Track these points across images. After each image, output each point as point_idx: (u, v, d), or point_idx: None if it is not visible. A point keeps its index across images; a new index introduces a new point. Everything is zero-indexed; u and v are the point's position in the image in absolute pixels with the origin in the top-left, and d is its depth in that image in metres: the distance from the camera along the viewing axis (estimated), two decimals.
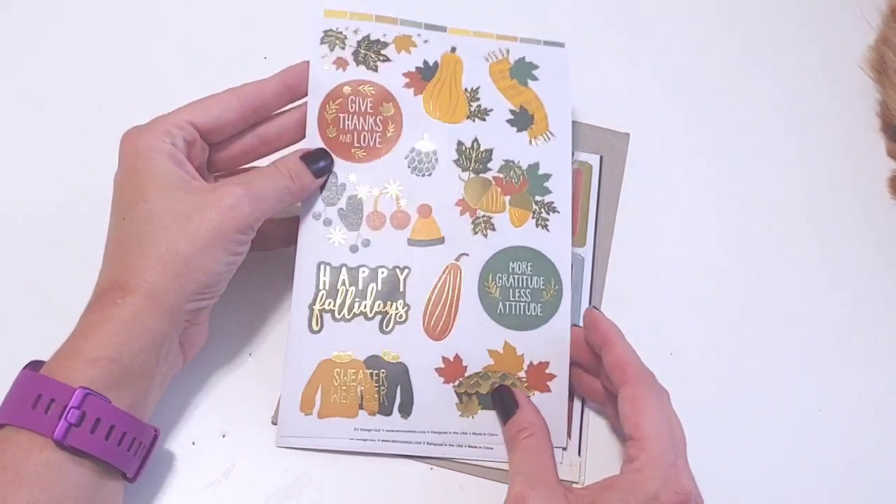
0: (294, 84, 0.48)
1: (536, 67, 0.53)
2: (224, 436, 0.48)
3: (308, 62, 0.49)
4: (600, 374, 0.47)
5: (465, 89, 0.51)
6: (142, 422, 0.41)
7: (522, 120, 0.51)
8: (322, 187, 0.49)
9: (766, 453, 0.50)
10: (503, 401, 0.47)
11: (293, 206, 0.48)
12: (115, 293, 0.41)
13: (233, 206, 0.43)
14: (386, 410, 0.47)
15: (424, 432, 0.47)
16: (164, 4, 0.60)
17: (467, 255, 0.49)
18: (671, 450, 0.41)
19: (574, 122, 0.51)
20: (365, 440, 0.47)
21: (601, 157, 0.57)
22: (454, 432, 0.47)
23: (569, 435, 0.49)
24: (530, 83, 0.52)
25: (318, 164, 0.48)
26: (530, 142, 0.51)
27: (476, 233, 0.49)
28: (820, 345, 0.53)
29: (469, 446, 0.47)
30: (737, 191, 0.57)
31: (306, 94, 0.49)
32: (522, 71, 0.52)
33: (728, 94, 0.60)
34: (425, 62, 0.51)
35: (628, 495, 0.40)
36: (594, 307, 0.47)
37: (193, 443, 0.47)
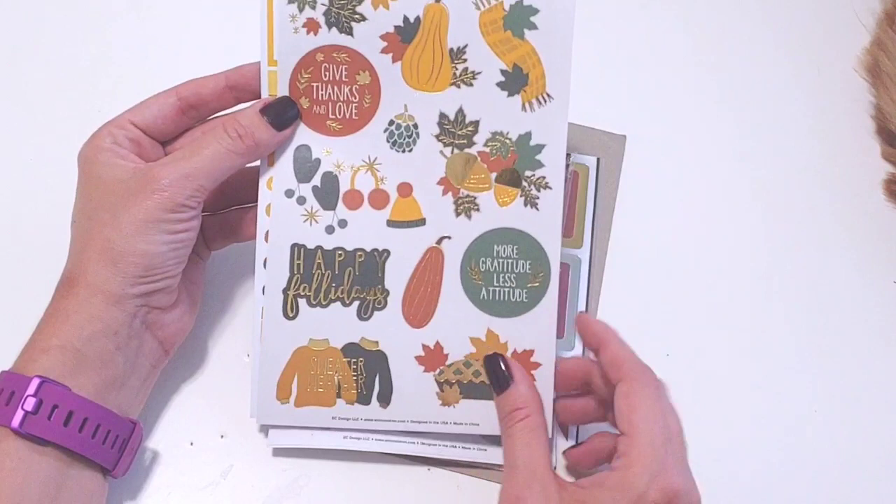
0: (240, 84, 0.45)
1: (536, 12, 0.46)
2: (222, 436, 0.48)
3: (258, 63, 0.45)
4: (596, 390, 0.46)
5: (451, 49, 0.46)
6: (109, 410, 0.42)
7: (515, 81, 0.46)
8: (294, 156, 0.46)
9: (762, 454, 0.50)
10: (495, 372, 0.45)
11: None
12: (64, 288, 0.43)
13: (157, 188, 0.42)
14: (364, 399, 0.46)
15: (404, 421, 0.46)
16: (164, 6, 0.59)
17: (449, 238, 0.46)
18: (662, 446, 0.40)
19: (571, 125, 0.47)
20: (343, 429, 0.46)
21: (598, 159, 0.55)
22: (434, 421, 0.46)
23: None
24: (527, 34, 0.46)
25: (280, 116, 0.45)
26: (523, 107, 0.46)
27: (459, 214, 0.46)
28: (816, 346, 0.52)
29: (450, 435, 0.46)
30: (733, 192, 0.56)
31: (258, 96, 0.45)
32: (519, 19, 0.46)
33: (724, 96, 0.59)
34: (405, 19, 0.46)
35: (617, 493, 0.39)
36: (581, 312, 0.45)
37: (192, 443, 0.48)
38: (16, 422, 0.39)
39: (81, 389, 0.41)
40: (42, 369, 0.40)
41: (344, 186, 0.46)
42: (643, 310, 0.53)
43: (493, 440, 0.47)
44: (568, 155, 0.51)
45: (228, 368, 0.50)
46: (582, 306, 0.52)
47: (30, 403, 0.39)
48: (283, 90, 0.45)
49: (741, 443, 0.50)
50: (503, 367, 0.44)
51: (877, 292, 0.54)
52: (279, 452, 0.48)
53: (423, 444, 0.47)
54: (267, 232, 0.46)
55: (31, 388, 0.39)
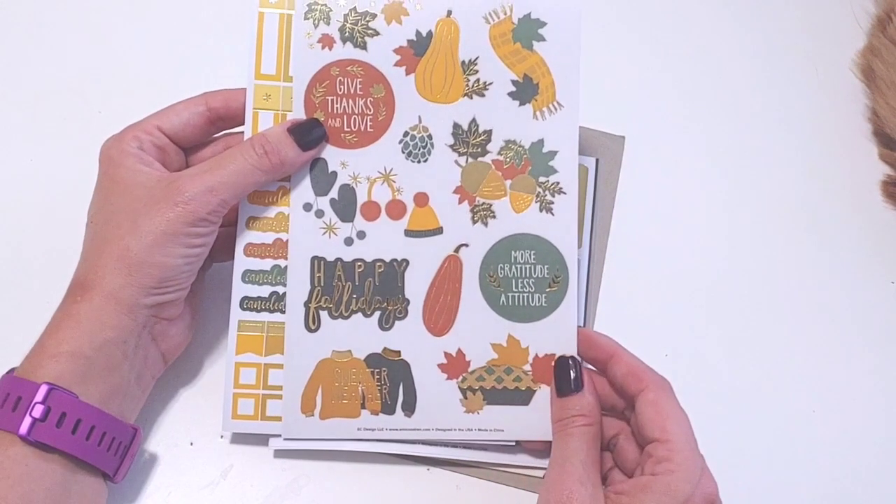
0: None
1: (544, 25, 0.47)
2: (222, 436, 0.48)
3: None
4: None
5: (462, 62, 0.47)
6: (115, 418, 0.41)
7: (526, 91, 0.47)
8: (311, 169, 0.46)
9: (760, 454, 0.50)
10: (564, 375, 0.45)
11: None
12: (76, 292, 0.42)
13: (180, 200, 0.42)
14: (389, 409, 0.46)
15: (429, 430, 0.46)
16: (164, 7, 0.59)
17: (467, 245, 0.47)
18: (698, 453, 0.41)
19: None
20: (368, 440, 0.46)
21: (597, 160, 0.55)
22: (459, 429, 0.46)
23: None
24: (536, 45, 0.48)
25: (307, 136, 0.45)
26: (534, 115, 0.47)
27: (476, 222, 0.47)
28: (814, 346, 0.53)
29: (475, 442, 0.47)
30: (731, 193, 0.57)
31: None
32: (527, 31, 0.47)
33: (723, 97, 0.59)
34: (418, 33, 0.47)
35: (664, 497, 0.39)
36: (580, 327, 0.46)
37: (192, 443, 0.48)
38: (23, 429, 0.39)
39: (88, 397, 0.40)
40: (50, 376, 0.40)
41: (361, 198, 0.47)
42: (642, 310, 0.53)
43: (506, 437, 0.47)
44: None
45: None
46: (581, 306, 0.52)
47: (38, 410, 0.39)
48: (298, 104, 0.46)
49: (739, 443, 0.50)
50: (573, 374, 0.44)
51: (875, 293, 0.55)
52: (279, 453, 0.47)
53: (424, 444, 0.47)
54: (247, 244, 0.46)
55: (40, 395, 0.39)
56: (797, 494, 0.50)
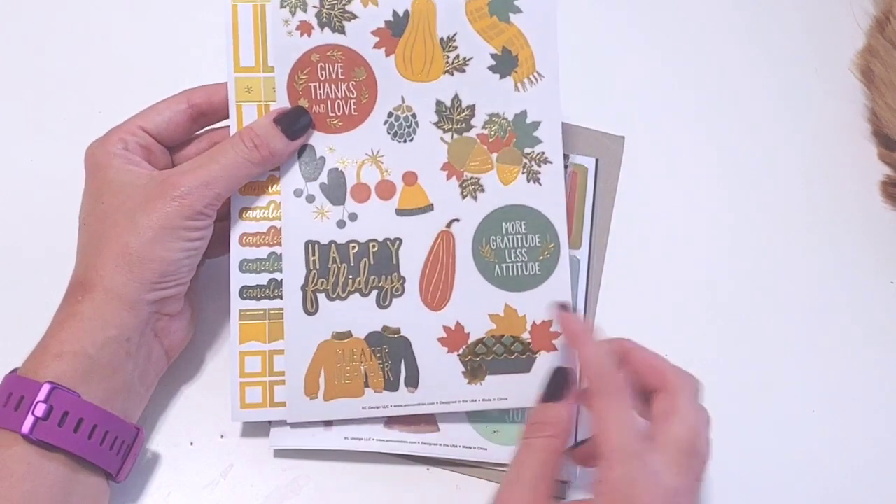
0: None
1: None
2: (222, 436, 0.48)
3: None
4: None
5: (441, 39, 0.48)
6: (118, 417, 0.42)
7: (506, 63, 0.48)
8: (299, 156, 0.47)
9: (760, 454, 0.50)
10: (556, 382, 0.43)
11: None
12: (77, 292, 0.42)
13: (176, 195, 0.43)
14: (392, 386, 0.47)
15: (433, 403, 0.47)
16: (164, 8, 0.59)
17: (458, 220, 0.47)
18: (634, 447, 0.38)
19: (570, 125, 0.48)
20: (373, 418, 0.47)
21: (597, 160, 0.56)
22: (463, 400, 0.47)
23: None
24: (512, 17, 0.48)
25: (293, 125, 0.46)
26: (516, 87, 0.48)
27: (465, 196, 0.47)
28: (814, 346, 0.53)
29: (479, 411, 0.47)
30: (731, 193, 0.57)
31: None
32: (503, 4, 0.48)
33: (723, 97, 0.59)
34: (395, 13, 0.47)
35: None
36: (560, 303, 0.47)
37: (192, 443, 0.48)
38: (26, 427, 0.39)
39: (91, 396, 0.41)
40: (53, 375, 0.40)
41: (350, 181, 0.47)
42: (642, 310, 0.53)
43: (494, 438, 0.48)
44: (566, 156, 0.53)
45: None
46: (581, 307, 0.52)
47: (40, 409, 0.39)
48: (281, 92, 0.47)
49: (739, 442, 0.50)
50: (561, 385, 0.43)
51: (874, 293, 0.54)
52: (279, 453, 0.48)
53: (423, 444, 0.48)
54: (242, 234, 0.47)
55: (42, 394, 0.39)
56: (797, 494, 0.50)
